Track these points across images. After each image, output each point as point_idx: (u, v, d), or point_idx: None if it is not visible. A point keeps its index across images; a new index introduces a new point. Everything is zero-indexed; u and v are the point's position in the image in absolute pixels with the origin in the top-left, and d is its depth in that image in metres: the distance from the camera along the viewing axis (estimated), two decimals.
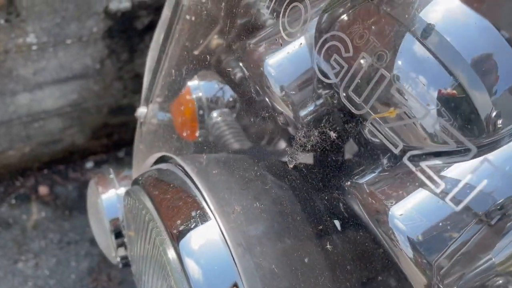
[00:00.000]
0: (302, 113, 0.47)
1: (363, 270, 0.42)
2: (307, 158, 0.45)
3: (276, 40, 0.46)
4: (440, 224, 0.35)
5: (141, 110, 0.69)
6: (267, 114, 0.52)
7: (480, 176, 0.34)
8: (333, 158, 0.44)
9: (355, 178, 0.42)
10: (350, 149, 0.45)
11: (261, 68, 0.49)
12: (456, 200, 0.34)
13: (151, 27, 2.07)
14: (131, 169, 0.97)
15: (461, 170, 0.34)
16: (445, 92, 0.37)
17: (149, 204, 0.49)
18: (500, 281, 0.37)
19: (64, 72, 2.03)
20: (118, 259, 0.91)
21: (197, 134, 0.84)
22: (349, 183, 0.42)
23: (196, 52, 0.64)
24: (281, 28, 0.45)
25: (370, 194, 0.39)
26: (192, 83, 0.78)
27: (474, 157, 0.34)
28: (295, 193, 0.50)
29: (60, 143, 2.35)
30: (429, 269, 0.36)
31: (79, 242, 2.13)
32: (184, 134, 0.85)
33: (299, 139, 0.44)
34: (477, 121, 0.36)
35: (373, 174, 0.41)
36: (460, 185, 0.33)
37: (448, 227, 0.35)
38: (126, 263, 0.92)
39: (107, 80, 2.15)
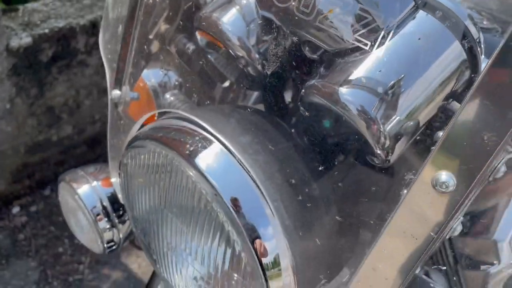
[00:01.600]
0: (260, 51, 0.65)
1: (327, 135, 0.61)
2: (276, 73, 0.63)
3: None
4: (371, 85, 0.55)
5: (115, 92, 0.81)
6: (228, 65, 0.69)
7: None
8: (292, 67, 0.62)
9: (307, 82, 0.61)
10: (299, 65, 0.63)
11: (219, 27, 0.66)
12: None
13: (56, 58, 2.09)
14: (93, 166, 1.06)
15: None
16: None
17: (158, 145, 0.62)
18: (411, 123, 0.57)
19: None
20: (105, 244, 0.99)
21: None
22: (305, 86, 0.60)
23: (151, 36, 0.78)
24: None
25: (323, 85, 0.58)
26: (144, 72, 0.92)
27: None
28: (269, 105, 0.67)
29: None
30: (374, 121, 0.55)
31: (24, 287, 2.05)
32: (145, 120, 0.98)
33: (272, 49, 0.61)
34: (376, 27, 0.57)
35: (318, 76, 0.60)
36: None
37: (377, 86, 0.54)
38: (111, 247, 1.01)
39: (20, 119, 2.12)
